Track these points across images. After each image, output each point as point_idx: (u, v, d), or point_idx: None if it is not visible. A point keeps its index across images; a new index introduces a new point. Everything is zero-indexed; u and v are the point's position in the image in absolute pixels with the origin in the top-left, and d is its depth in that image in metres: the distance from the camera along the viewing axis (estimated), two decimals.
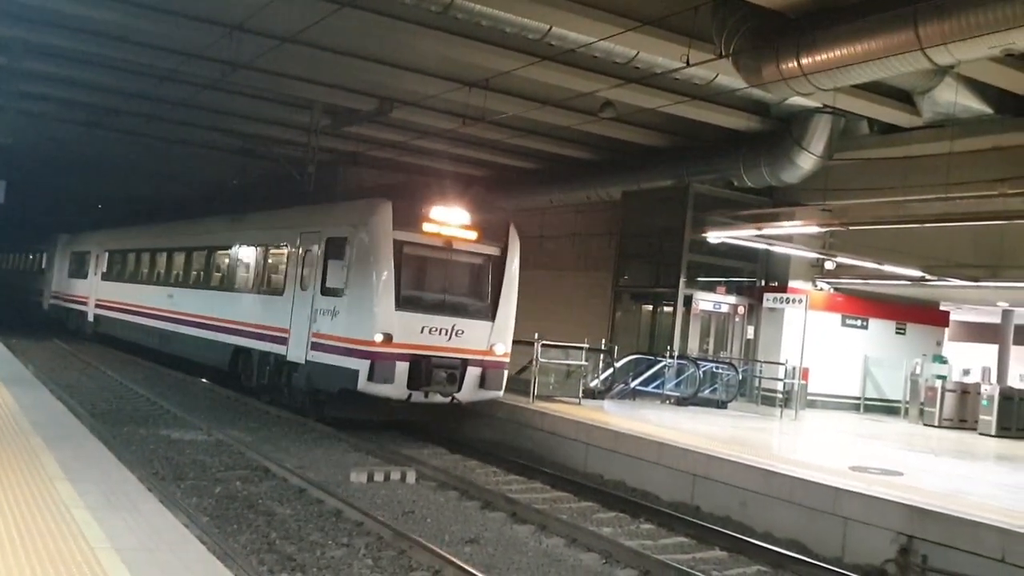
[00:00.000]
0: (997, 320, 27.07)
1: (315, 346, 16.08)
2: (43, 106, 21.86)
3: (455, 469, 13.80)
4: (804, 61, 11.70)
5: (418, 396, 15.19)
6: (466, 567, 8.68)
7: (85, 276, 32.72)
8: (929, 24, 10.31)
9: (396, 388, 14.99)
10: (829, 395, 22.48)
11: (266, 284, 19.14)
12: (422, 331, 15.21)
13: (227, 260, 21.43)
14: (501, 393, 16.16)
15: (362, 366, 14.86)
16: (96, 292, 31.15)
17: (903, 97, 15.55)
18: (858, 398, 23.06)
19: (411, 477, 12.87)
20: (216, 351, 20.62)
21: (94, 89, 20.27)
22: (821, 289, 22.16)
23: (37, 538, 5.92)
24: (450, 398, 15.46)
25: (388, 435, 16.25)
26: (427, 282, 15.83)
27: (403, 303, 15.23)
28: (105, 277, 30.62)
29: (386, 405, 15.50)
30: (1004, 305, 24.66)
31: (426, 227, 15.60)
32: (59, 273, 36.56)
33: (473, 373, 15.57)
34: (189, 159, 28.27)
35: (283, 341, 17.31)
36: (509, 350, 16.32)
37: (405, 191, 17.79)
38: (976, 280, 18.70)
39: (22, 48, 16.92)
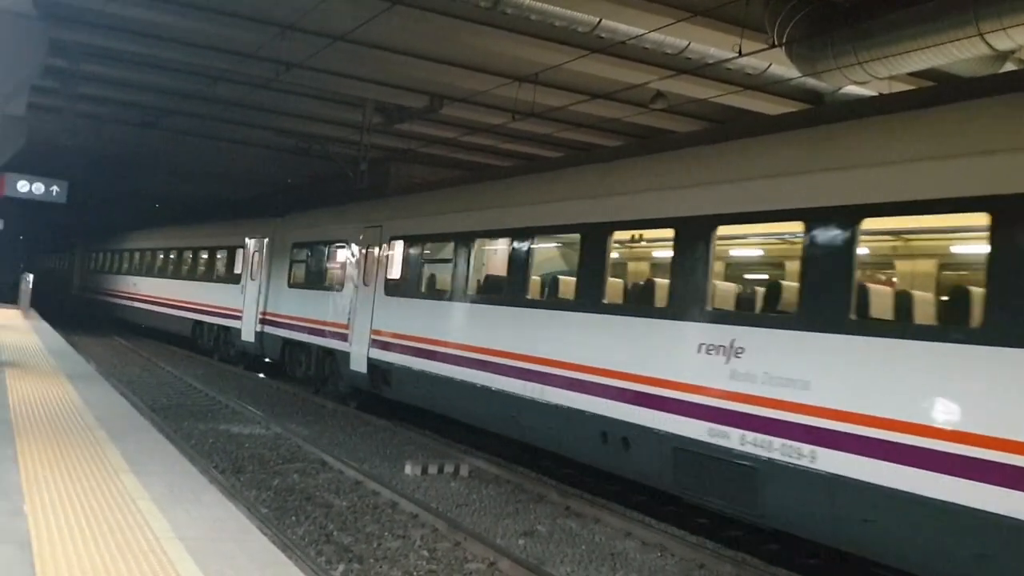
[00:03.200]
0: None
1: None
2: (100, 107, 22.35)
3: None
4: (858, 49, 11.54)
5: None
6: (521, 559, 8.73)
7: (336, 287, 18.64)
8: (987, 8, 10.11)
9: None
10: None
11: None
12: None
13: None
14: None
15: None
16: (372, 318, 16.64)
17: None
18: None
19: (464, 470, 12.95)
20: None
21: (149, 90, 20.68)
22: None
23: (105, 528, 6.09)
24: None
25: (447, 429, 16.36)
26: None
27: None
28: (398, 289, 16.03)
29: None
30: None
31: None
32: (271, 283, 22.44)
33: None
34: (244, 159, 28.67)
35: None
36: None
37: None
38: None
39: (80, 51, 17.33)
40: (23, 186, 16.28)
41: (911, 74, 13.54)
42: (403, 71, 17.28)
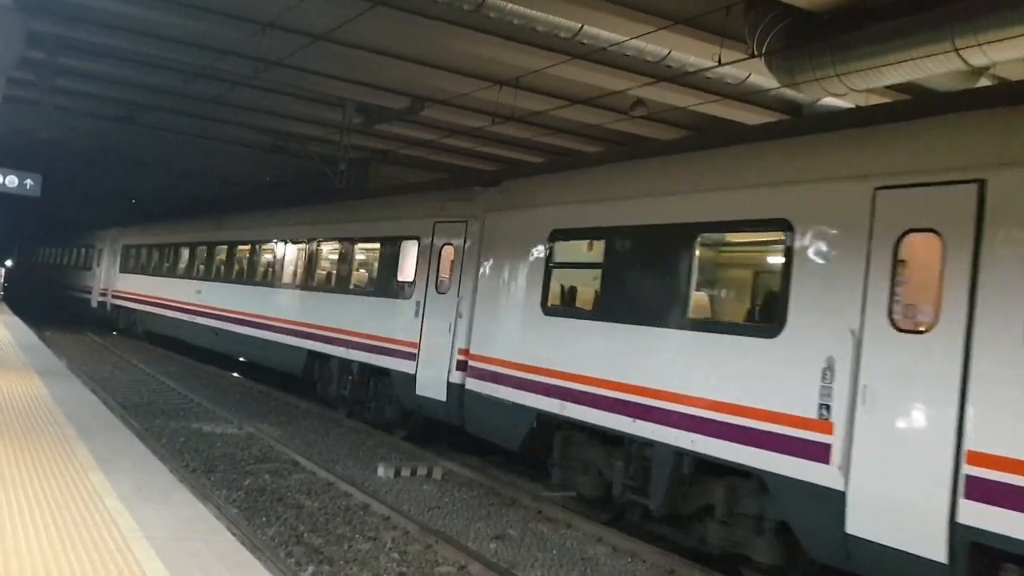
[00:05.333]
0: None
1: None
2: (77, 101, 22.14)
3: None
4: (836, 62, 11.63)
5: None
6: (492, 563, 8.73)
7: (761, 330, 8.75)
8: (963, 25, 10.22)
9: None
10: None
11: None
12: None
13: None
14: None
15: None
16: (964, 417, 6.80)
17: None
18: None
19: (437, 473, 12.93)
20: None
21: (127, 85, 20.50)
22: None
23: (71, 526, 6.03)
24: None
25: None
26: None
27: None
28: None
29: None
30: None
31: None
32: (482, 302, 13.09)
33: None
34: (222, 156, 28.48)
35: None
36: None
37: None
38: None
39: (56, 43, 17.16)
40: None
41: (888, 87, 13.67)
42: (384, 72, 17.23)
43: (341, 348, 16.78)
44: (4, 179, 16.20)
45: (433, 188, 16.38)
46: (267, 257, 21.58)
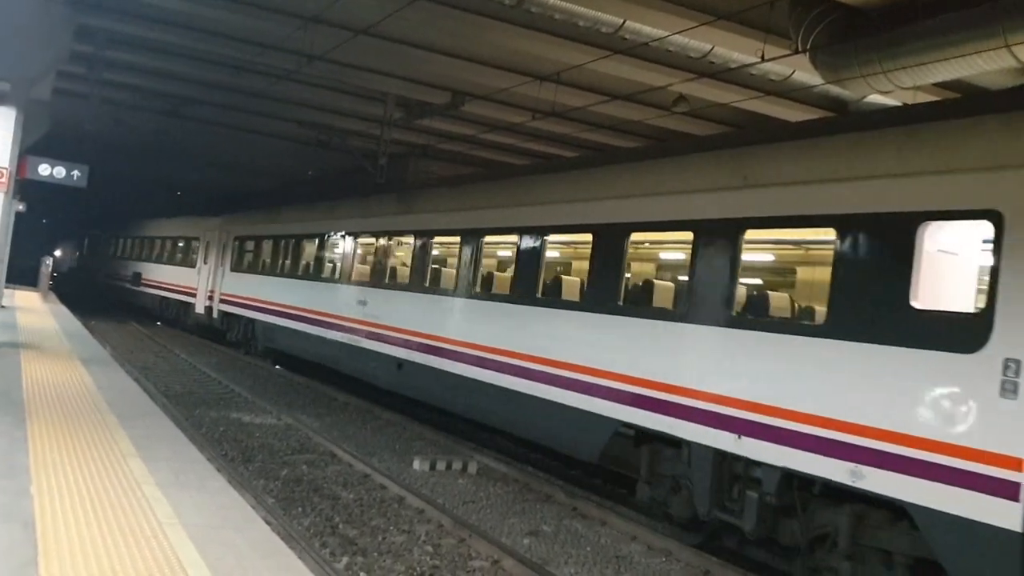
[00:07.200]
0: None
1: None
2: (124, 94, 22.45)
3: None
4: (883, 58, 11.43)
5: None
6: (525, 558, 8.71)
7: None
8: (1015, 20, 9.99)
9: None
10: None
11: None
12: None
13: None
14: None
15: None
16: None
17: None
18: None
19: (473, 467, 12.95)
20: None
21: (173, 79, 20.76)
22: None
23: (109, 511, 6.11)
24: None
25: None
26: None
27: None
28: None
29: None
30: None
31: None
32: None
33: None
34: (263, 150, 28.71)
35: None
36: None
37: None
38: None
39: (105, 38, 17.42)
40: (44, 169, 16.37)
41: (936, 84, 13.42)
42: (425, 67, 17.27)
43: (725, 432, 8.89)
44: (52, 170, 16.46)
45: None
46: (507, 255, 15.30)
